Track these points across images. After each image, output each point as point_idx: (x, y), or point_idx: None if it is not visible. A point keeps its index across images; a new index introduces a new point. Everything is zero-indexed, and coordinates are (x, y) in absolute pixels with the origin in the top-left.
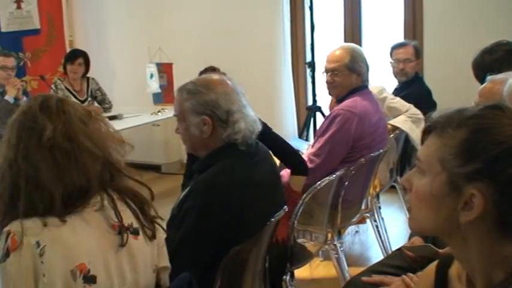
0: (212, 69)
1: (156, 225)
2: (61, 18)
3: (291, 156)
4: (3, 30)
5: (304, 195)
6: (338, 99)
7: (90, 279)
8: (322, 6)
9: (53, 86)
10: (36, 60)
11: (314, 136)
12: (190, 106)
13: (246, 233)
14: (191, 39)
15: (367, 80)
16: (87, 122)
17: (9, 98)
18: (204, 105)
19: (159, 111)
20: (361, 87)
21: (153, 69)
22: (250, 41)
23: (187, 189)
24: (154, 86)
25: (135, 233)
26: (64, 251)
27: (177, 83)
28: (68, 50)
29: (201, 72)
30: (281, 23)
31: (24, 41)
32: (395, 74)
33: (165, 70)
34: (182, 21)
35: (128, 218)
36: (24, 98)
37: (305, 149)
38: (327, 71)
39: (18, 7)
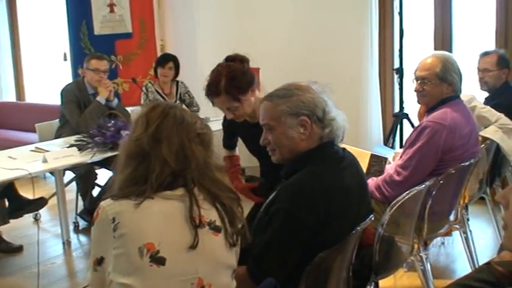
0: (238, 59)
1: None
2: (153, 22)
3: None
4: (96, 33)
5: (392, 203)
6: (428, 109)
7: (158, 260)
8: (412, 12)
9: (143, 88)
10: (127, 63)
11: (400, 144)
12: (287, 109)
13: (331, 240)
14: (278, 44)
15: (460, 91)
16: (185, 131)
17: (100, 99)
18: (301, 106)
19: None
20: (452, 98)
21: None
22: (337, 46)
23: (273, 193)
24: None
25: (216, 230)
26: (134, 229)
27: (264, 88)
28: (159, 54)
29: (226, 59)
30: (369, 28)
31: (116, 44)
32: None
33: None
34: (269, 26)
35: (212, 216)
36: (115, 100)
37: (391, 156)
38: (417, 78)
39: (111, 11)
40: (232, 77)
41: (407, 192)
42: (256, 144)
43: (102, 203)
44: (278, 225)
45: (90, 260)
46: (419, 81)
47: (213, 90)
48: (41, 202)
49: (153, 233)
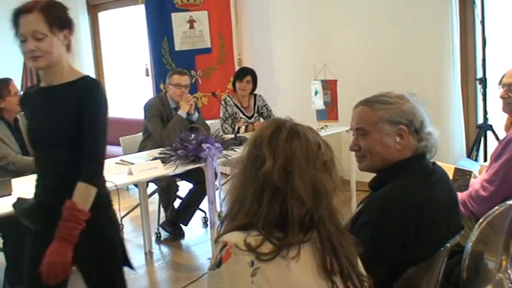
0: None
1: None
2: (231, 37)
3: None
4: (177, 49)
5: (480, 220)
6: None
7: None
8: (495, 20)
9: (223, 102)
10: (207, 78)
11: (485, 157)
12: (387, 115)
13: (420, 255)
14: (356, 56)
15: None
16: (311, 162)
17: (182, 113)
18: (401, 114)
19: (322, 128)
20: None
21: (318, 86)
22: (417, 57)
23: (360, 205)
24: (319, 102)
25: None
26: (276, 278)
27: (341, 100)
28: (237, 68)
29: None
30: (450, 38)
31: (196, 59)
32: None
33: (329, 87)
34: (348, 38)
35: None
36: (196, 114)
37: (476, 170)
38: (503, 85)
39: (191, 27)
40: (53, 5)
41: (497, 207)
42: (40, 120)
43: (231, 239)
44: (365, 238)
45: None
46: (505, 88)
47: (25, 6)
48: None
49: (293, 283)
